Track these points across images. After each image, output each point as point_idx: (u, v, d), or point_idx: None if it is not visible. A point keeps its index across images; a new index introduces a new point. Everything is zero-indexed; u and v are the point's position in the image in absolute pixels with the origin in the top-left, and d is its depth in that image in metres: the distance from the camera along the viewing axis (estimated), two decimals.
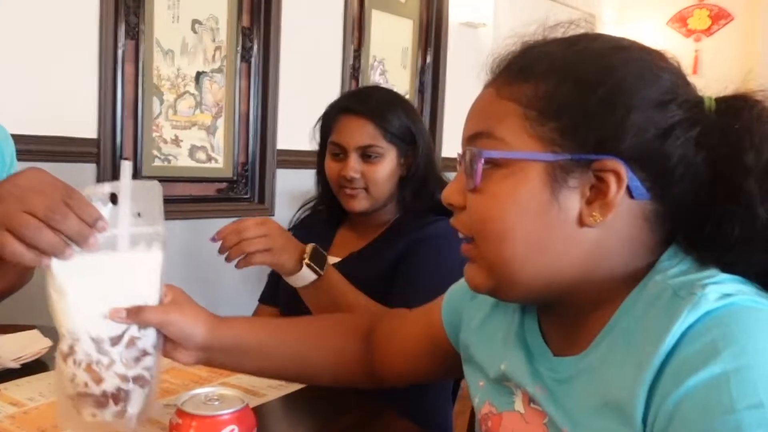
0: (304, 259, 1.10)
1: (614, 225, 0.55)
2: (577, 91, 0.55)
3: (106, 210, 0.62)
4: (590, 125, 0.55)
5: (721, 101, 0.57)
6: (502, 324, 0.70)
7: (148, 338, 0.65)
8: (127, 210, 0.63)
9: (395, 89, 1.45)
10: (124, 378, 0.62)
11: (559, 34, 0.61)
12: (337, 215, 1.38)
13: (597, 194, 0.55)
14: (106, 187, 0.63)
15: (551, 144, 0.55)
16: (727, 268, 0.54)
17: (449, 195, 0.62)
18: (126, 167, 0.63)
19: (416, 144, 1.28)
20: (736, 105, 0.56)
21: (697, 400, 0.48)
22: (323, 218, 1.40)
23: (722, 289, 0.51)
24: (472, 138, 0.60)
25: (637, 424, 0.51)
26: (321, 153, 1.34)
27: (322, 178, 1.36)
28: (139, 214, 0.64)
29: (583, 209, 0.55)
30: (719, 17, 3.64)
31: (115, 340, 0.62)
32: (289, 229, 1.45)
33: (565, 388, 0.59)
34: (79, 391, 0.62)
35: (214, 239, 1.09)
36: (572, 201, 0.55)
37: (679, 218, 0.57)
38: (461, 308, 0.79)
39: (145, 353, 0.64)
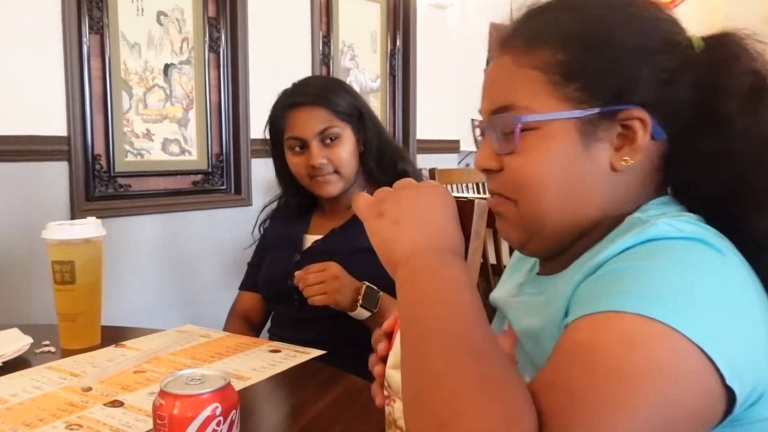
0: (359, 301, 1.16)
1: (638, 165, 0.61)
2: (590, 55, 0.60)
3: None
4: (608, 82, 0.60)
5: (709, 38, 0.62)
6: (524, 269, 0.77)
7: None
8: None
9: (366, 74, 1.48)
10: None
11: None
12: (306, 204, 1.43)
13: (624, 141, 0.60)
14: None
15: (577, 102, 0.60)
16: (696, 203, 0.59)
17: (484, 161, 0.65)
18: None
19: (364, 118, 1.33)
20: (724, 40, 0.62)
21: (596, 279, 0.53)
22: (294, 207, 1.44)
23: (676, 224, 0.54)
24: (502, 108, 0.63)
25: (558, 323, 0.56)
26: (276, 155, 1.39)
27: (283, 177, 1.41)
28: None
29: (613, 156, 0.60)
30: None
31: None
32: (259, 226, 1.49)
33: (534, 302, 0.65)
34: None
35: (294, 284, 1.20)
36: (602, 151, 0.60)
37: (680, 151, 0.62)
38: None
39: None
